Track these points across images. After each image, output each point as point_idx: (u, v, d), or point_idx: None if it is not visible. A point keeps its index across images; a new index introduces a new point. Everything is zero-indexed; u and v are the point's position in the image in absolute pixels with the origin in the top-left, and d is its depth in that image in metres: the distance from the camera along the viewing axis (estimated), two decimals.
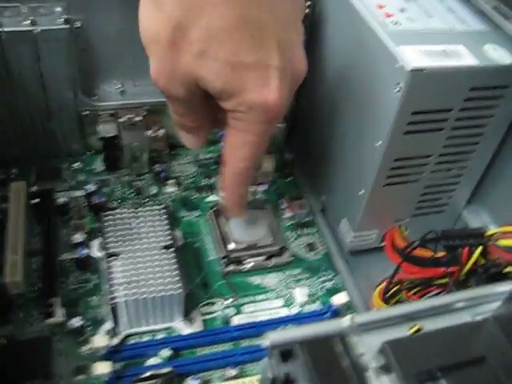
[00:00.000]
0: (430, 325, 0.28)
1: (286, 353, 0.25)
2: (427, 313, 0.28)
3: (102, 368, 0.40)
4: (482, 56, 0.42)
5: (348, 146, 0.51)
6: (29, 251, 0.48)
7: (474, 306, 0.29)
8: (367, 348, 0.27)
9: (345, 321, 0.26)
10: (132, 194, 0.57)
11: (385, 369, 0.26)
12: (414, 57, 0.41)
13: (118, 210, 0.48)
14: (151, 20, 0.35)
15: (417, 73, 0.40)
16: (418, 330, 0.28)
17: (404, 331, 0.28)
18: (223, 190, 0.44)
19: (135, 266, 0.44)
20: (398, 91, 0.41)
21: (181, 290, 0.43)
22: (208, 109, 0.40)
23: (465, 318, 0.29)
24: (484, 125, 0.46)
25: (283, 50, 0.36)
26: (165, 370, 0.41)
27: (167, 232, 0.47)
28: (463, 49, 0.42)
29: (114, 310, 0.42)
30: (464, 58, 0.42)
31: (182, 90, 0.37)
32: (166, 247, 0.46)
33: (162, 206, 0.49)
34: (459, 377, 0.25)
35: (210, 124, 0.43)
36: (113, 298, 0.42)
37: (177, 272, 0.44)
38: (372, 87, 0.45)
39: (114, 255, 0.45)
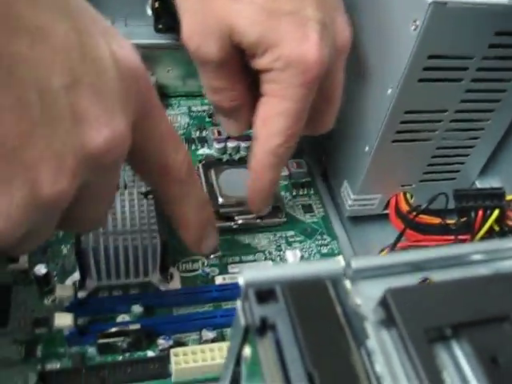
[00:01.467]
0: (442, 277, 0.24)
1: (263, 294, 0.20)
2: (439, 263, 0.24)
3: (62, 320, 0.36)
4: None
5: (356, 94, 0.46)
6: None
7: (494, 259, 0.25)
8: (365, 298, 0.22)
9: (339, 262, 0.22)
10: None
11: (386, 323, 0.21)
12: None
13: None
14: None
15: (438, 6, 0.35)
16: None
17: (410, 282, 0.23)
18: (251, 172, 0.39)
19: (110, 212, 0.39)
20: (415, 29, 0.36)
21: (156, 240, 0.38)
22: (246, 81, 0.37)
23: (482, 272, 0.24)
24: (508, 79, 0.41)
25: (324, 7, 0.34)
26: (133, 327, 0.36)
27: None
28: None
29: (81, 259, 0.38)
30: None
31: (214, 46, 0.35)
32: (145, 194, 0.41)
33: None
34: (476, 338, 0.21)
35: (251, 104, 0.38)
36: (79, 245, 0.37)
37: (154, 221, 0.39)
38: (386, 23, 0.40)
39: None
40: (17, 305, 0.39)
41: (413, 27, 0.36)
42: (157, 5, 0.49)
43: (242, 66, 0.37)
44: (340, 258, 0.22)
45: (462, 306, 0.21)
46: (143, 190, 0.41)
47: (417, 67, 0.38)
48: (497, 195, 0.37)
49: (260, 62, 0.35)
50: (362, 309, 0.22)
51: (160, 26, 0.50)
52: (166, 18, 0.49)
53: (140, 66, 0.28)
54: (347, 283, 0.22)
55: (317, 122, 0.40)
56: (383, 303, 0.21)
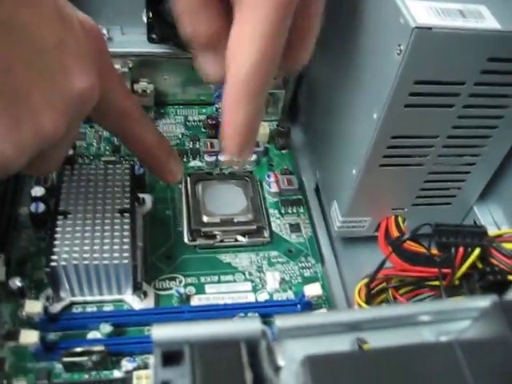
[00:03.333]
0: (380, 339, 0.22)
1: (171, 355, 0.20)
2: (377, 324, 0.22)
3: (28, 337, 0.36)
4: (508, 20, 0.35)
5: (345, 117, 0.44)
6: None
7: (442, 321, 0.23)
8: (290, 360, 0.21)
9: (256, 322, 0.20)
10: (108, 152, 0.52)
11: None
12: (422, 13, 0.34)
13: (76, 166, 0.43)
14: None
15: (422, 32, 0.33)
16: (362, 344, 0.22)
17: (346, 343, 0.22)
18: (223, 111, 0.34)
19: (83, 229, 0.39)
20: (399, 53, 0.34)
21: (127, 261, 0.38)
22: (224, 11, 0.33)
23: (426, 336, 0.23)
24: (504, 106, 0.39)
25: None
26: (96, 348, 0.36)
27: (126, 195, 0.42)
28: (485, 9, 0.35)
29: (51, 275, 0.38)
30: (484, 20, 0.34)
31: None
32: (121, 211, 0.40)
33: (127, 166, 0.44)
34: None
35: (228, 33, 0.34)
36: (50, 261, 0.37)
37: (128, 240, 0.39)
38: (373, 48, 0.39)
39: (62, 213, 0.40)
40: None
41: (397, 51, 0.35)
42: (150, 15, 0.48)
43: None
44: (257, 318, 0.21)
45: (391, 379, 0.20)
46: (119, 207, 0.41)
47: (402, 92, 0.36)
48: (477, 233, 0.35)
49: None
50: (284, 371, 0.21)
51: (153, 37, 0.49)
52: (160, 29, 0.49)
53: (97, 27, 0.34)
54: (266, 344, 0.21)
55: (291, 57, 0.36)
56: (302, 370, 0.20)
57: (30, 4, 0.28)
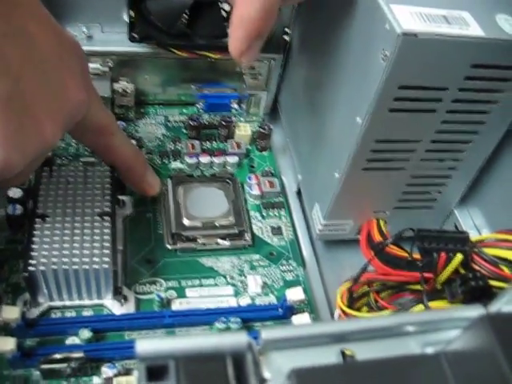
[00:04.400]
0: (366, 350, 0.22)
1: (156, 369, 0.19)
2: (363, 335, 0.22)
3: (4, 344, 0.35)
4: (491, 27, 0.35)
5: (328, 120, 0.44)
6: None
7: (428, 332, 0.23)
8: (276, 372, 0.21)
9: (242, 336, 0.20)
10: (87, 152, 0.50)
11: None
12: (407, 19, 0.34)
13: (55, 168, 0.42)
14: None
15: (408, 38, 0.33)
16: (348, 356, 0.22)
17: (332, 354, 0.22)
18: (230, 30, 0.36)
19: (62, 232, 0.38)
20: (384, 59, 0.34)
21: (107, 266, 0.37)
22: None
23: (412, 347, 0.23)
24: (486, 111, 0.39)
25: None
26: (75, 355, 0.35)
27: (107, 198, 0.41)
28: (469, 16, 0.35)
29: (29, 280, 0.37)
30: (468, 26, 0.35)
31: None
32: (101, 215, 0.40)
33: (107, 167, 0.43)
34: None
35: None
36: (27, 265, 0.36)
37: (108, 244, 0.38)
38: (358, 52, 0.39)
39: (41, 216, 0.39)
40: None
41: (382, 57, 0.35)
42: (132, 14, 0.47)
43: None
44: (243, 332, 0.20)
45: None
46: (99, 210, 0.40)
47: (386, 97, 0.36)
48: (460, 239, 0.36)
49: None
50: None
51: (134, 36, 0.48)
52: (141, 27, 0.48)
53: (80, 45, 0.37)
54: (251, 357, 0.20)
55: None
56: (288, 383, 0.20)
57: (37, 19, 0.32)
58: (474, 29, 0.34)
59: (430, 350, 0.22)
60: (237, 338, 0.20)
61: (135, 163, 0.43)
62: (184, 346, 0.19)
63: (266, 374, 0.21)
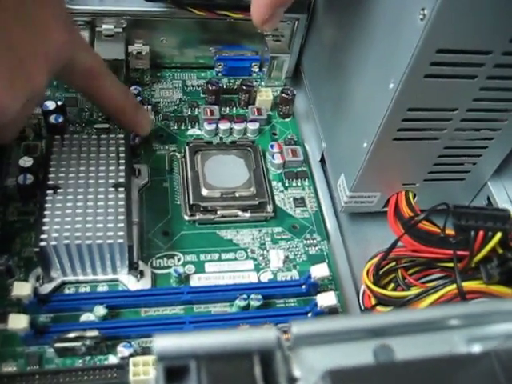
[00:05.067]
0: (405, 346, 0.20)
1: (176, 370, 0.17)
2: (402, 329, 0.20)
3: (16, 322, 0.33)
4: None
5: (357, 86, 0.41)
6: None
7: (473, 325, 0.21)
8: (307, 370, 0.19)
9: (271, 331, 0.18)
10: (101, 118, 0.48)
11: None
12: None
13: (67, 136, 0.40)
14: None
15: None
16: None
17: (368, 350, 0.20)
18: None
19: (75, 205, 0.36)
20: (422, 19, 0.31)
21: (122, 241, 0.35)
22: None
23: (456, 342, 0.20)
24: None
25: None
26: (90, 333, 0.34)
27: (121, 168, 0.39)
28: None
29: (41, 255, 0.35)
30: None
31: None
32: (116, 186, 0.38)
33: (121, 135, 0.41)
34: None
35: None
36: (39, 240, 0.35)
37: (123, 217, 0.36)
38: (392, 11, 0.35)
39: (52, 188, 0.37)
40: None
41: (420, 17, 0.31)
42: None
43: None
44: (272, 327, 0.19)
45: None
46: (113, 181, 0.38)
47: (423, 62, 0.33)
48: (500, 217, 0.33)
49: None
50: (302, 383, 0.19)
51: None
52: None
53: None
54: (282, 353, 0.18)
55: None
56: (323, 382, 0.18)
57: None
58: None
59: (477, 348, 0.20)
60: (265, 334, 0.18)
61: (125, 104, 0.42)
62: (206, 344, 0.17)
63: (297, 373, 0.19)
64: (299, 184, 0.47)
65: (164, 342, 0.17)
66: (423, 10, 0.31)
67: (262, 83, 0.53)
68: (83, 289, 0.38)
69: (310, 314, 0.37)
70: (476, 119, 0.38)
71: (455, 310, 0.21)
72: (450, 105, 0.37)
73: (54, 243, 0.35)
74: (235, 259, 0.41)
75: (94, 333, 0.34)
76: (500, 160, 0.43)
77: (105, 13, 0.48)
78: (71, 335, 0.34)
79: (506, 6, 0.31)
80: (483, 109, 0.37)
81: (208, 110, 0.49)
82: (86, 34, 0.48)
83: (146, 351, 0.36)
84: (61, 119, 0.44)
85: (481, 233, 0.33)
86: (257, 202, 0.43)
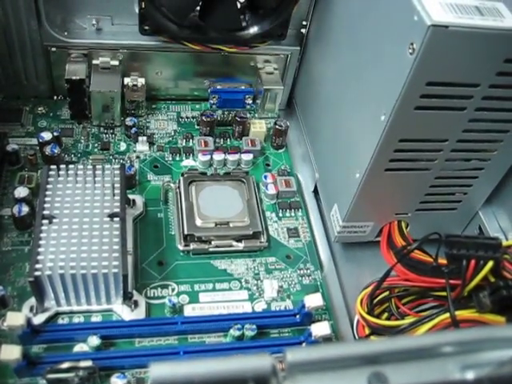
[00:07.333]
0: (398, 373, 0.20)
1: None
2: (396, 356, 0.20)
3: (8, 353, 0.33)
4: None
5: (349, 117, 0.42)
6: None
7: (467, 352, 0.21)
8: None
9: (267, 359, 0.18)
10: (96, 149, 0.49)
11: None
12: (437, 10, 0.32)
13: (63, 166, 0.41)
14: None
15: (438, 30, 0.31)
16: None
17: (362, 378, 0.20)
18: None
19: (70, 234, 0.37)
20: (412, 53, 0.32)
21: (117, 270, 0.35)
22: None
23: (450, 369, 0.21)
24: None
25: None
26: (83, 364, 0.34)
27: (116, 198, 0.39)
28: (503, 7, 0.33)
29: (35, 284, 0.35)
30: (502, 18, 0.32)
31: None
32: (111, 216, 0.38)
33: (117, 166, 0.41)
34: None
35: None
36: (34, 270, 0.35)
37: (117, 247, 0.36)
38: (383, 46, 0.36)
39: (47, 218, 0.37)
40: None
41: (409, 51, 0.32)
42: (143, 5, 0.45)
43: None
44: (267, 355, 0.19)
45: None
46: (108, 211, 0.38)
47: (413, 94, 0.34)
48: (491, 246, 0.33)
49: None
50: None
51: (146, 28, 0.46)
52: (153, 19, 0.46)
53: None
54: (276, 382, 0.19)
55: None
56: None
57: None
58: (509, 21, 0.32)
59: (470, 375, 0.20)
60: (260, 362, 0.18)
61: None
62: (202, 371, 0.18)
63: None
64: (293, 214, 0.47)
65: (160, 370, 0.17)
66: (412, 44, 0.32)
67: (256, 115, 0.54)
68: (77, 319, 0.38)
69: (304, 344, 0.37)
70: (466, 150, 0.39)
71: (448, 337, 0.21)
72: (440, 136, 0.37)
73: (48, 273, 0.35)
74: (229, 289, 0.41)
75: (88, 363, 0.34)
76: (490, 190, 0.43)
77: (101, 46, 0.49)
78: (64, 366, 0.34)
79: (492, 41, 0.32)
80: (473, 139, 0.38)
81: (202, 141, 0.50)
82: (83, 67, 0.49)
83: (139, 382, 0.35)
84: (57, 150, 0.45)
85: (472, 262, 0.34)
86: (251, 232, 0.43)
